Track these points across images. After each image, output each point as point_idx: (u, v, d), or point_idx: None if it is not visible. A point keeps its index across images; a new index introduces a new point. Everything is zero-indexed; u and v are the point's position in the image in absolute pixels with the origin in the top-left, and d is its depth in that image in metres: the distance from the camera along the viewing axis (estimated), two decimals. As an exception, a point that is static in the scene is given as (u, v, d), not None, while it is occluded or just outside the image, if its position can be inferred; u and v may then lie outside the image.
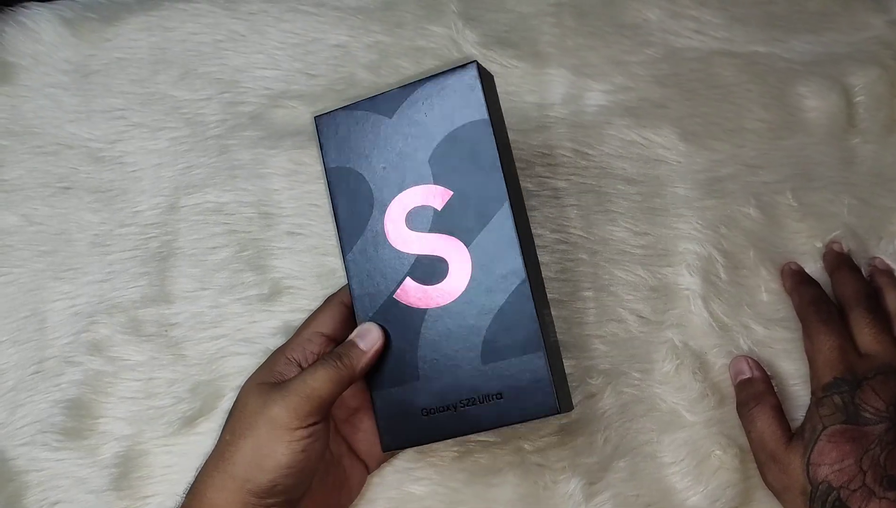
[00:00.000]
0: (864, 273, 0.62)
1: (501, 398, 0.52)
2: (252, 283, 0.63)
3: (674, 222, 0.64)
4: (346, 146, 0.55)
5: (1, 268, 0.64)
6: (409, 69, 0.67)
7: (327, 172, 0.56)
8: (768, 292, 0.63)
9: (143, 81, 0.68)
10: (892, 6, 0.69)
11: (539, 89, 0.66)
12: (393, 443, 0.54)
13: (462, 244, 0.53)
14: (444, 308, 0.53)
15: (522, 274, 0.52)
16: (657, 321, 0.62)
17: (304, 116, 0.66)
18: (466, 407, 0.52)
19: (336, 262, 0.63)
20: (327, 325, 0.56)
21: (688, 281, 0.63)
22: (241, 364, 0.62)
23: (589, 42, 0.67)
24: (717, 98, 0.66)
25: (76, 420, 0.61)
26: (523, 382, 0.52)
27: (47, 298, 0.64)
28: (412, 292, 0.53)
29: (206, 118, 0.67)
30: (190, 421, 0.61)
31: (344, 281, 0.60)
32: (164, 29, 0.68)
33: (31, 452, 0.61)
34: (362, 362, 0.52)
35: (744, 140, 0.66)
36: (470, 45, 0.67)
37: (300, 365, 0.54)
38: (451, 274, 0.53)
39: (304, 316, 0.59)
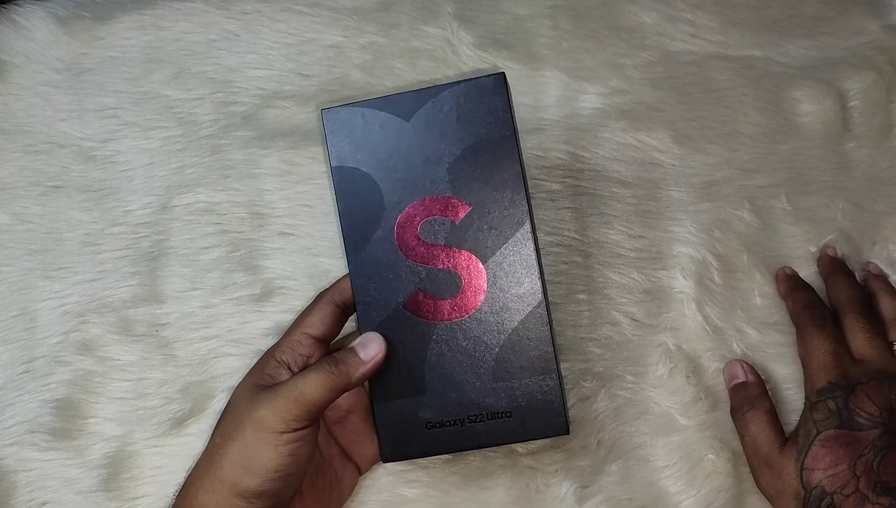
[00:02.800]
0: (858, 278, 0.62)
1: (510, 416, 0.52)
2: (244, 283, 0.63)
3: (668, 225, 0.64)
4: (354, 145, 0.53)
5: (-9, 266, 0.64)
6: (404, 70, 0.67)
7: (332, 170, 0.53)
8: (762, 296, 0.62)
9: (136, 80, 0.67)
10: (888, 11, 0.69)
11: (534, 91, 0.66)
12: (393, 455, 0.53)
13: (478, 261, 0.52)
14: (457, 324, 0.52)
15: (540, 296, 0.52)
16: (651, 325, 0.62)
17: (296, 116, 0.66)
18: (473, 423, 0.52)
19: (329, 262, 0.63)
20: (315, 326, 0.55)
21: (682, 284, 0.63)
22: (233, 365, 0.62)
23: (584, 45, 0.67)
24: (712, 102, 0.66)
25: (65, 420, 0.61)
26: (534, 402, 0.52)
27: (37, 297, 0.63)
28: (422, 305, 0.53)
29: (199, 118, 0.66)
30: (180, 422, 0.61)
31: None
32: (158, 28, 0.68)
33: (20, 452, 0.61)
34: (360, 371, 0.51)
35: (739, 144, 0.65)
36: (465, 47, 0.67)
37: (290, 368, 0.53)
38: (466, 290, 0.52)
39: (295, 317, 0.59)
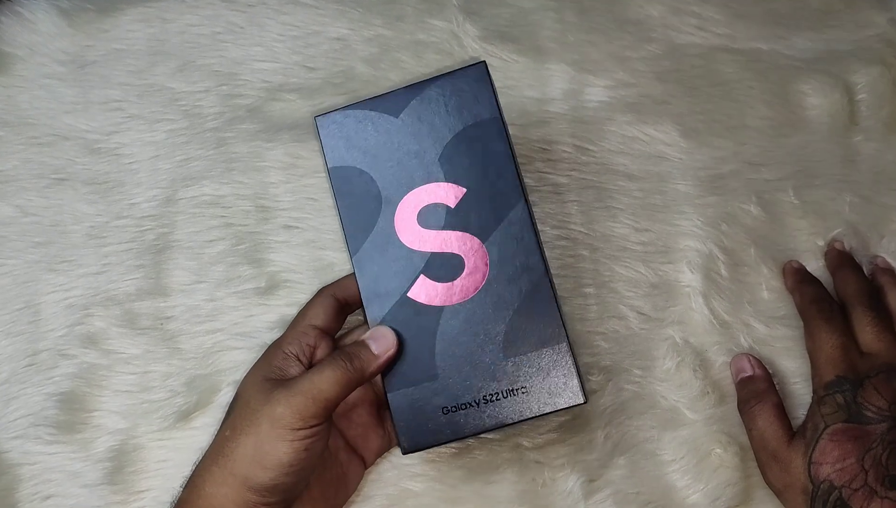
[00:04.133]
0: (865, 272, 0.62)
1: (526, 391, 0.52)
2: (249, 276, 0.63)
3: (675, 218, 0.63)
4: (349, 145, 0.55)
5: (-5, 259, 0.64)
6: (410, 63, 0.67)
7: (329, 171, 0.55)
8: (769, 290, 0.62)
9: (141, 72, 0.67)
10: (895, 4, 0.69)
11: (539, 84, 0.66)
12: (412, 445, 0.53)
13: (478, 241, 0.53)
14: (462, 305, 0.53)
15: (542, 267, 0.52)
16: (658, 318, 0.62)
17: (302, 109, 0.66)
18: (489, 403, 0.52)
19: (333, 256, 0.63)
20: (319, 317, 0.55)
21: (689, 278, 0.62)
22: (238, 359, 0.61)
23: (590, 37, 0.67)
24: (718, 95, 0.66)
25: (70, 414, 0.61)
26: (548, 373, 0.52)
27: (41, 290, 0.63)
28: (427, 290, 0.53)
29: (204, 111, 0.66)
30: (185, 416, 0.61)
31: (341, 274, 0.60)
32: (163, 20, 0.68)
33: (24, 445, 0.60)
34: (373, 366, 0.51)
35: (745, 137, 0.65)
36: (470, 39, 0.67)
37: (298, 359, 0.53)
38: (468, 270, 0.53)
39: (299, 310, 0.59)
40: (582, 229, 0.63)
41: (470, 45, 0.67)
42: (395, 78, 0.66)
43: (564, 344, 0.52)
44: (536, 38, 0.67)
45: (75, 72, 0.67)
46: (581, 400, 0.52)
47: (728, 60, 0.67)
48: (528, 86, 0.66)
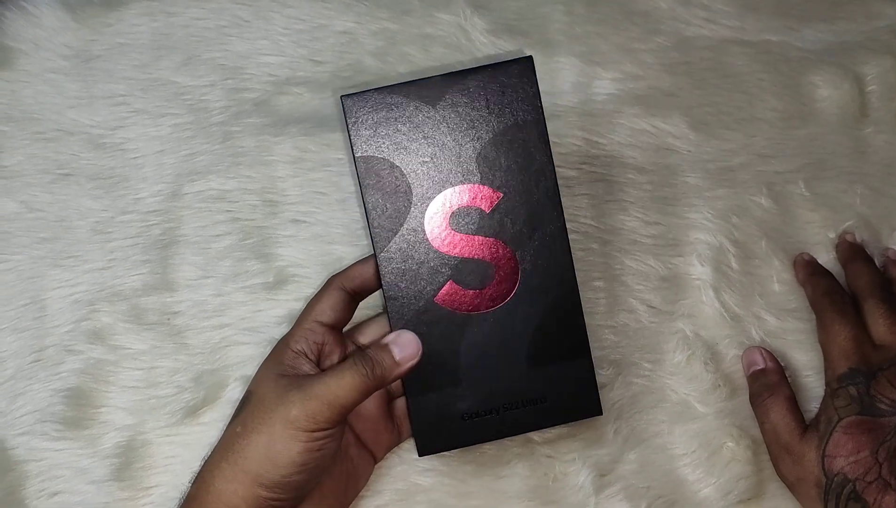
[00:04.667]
0: (877, 264, 0.62)
1: (545, 401, 0.52)
2: (256, 271, 0.62)
3: (685, 211, 0.63)
4: (379, 133, 0.52)
5: (0, 255, 0.63)
6: (417, 57, 0.66)
7: (356, 161, 0.52)
8: (780, 283, 0.62)
9: (146, 66, 0.66)
10: (905, -5, 0.69)
11: (548, 77, 0.65)
12: (428, 448, 0.52)
13: (510, 250, 0.52)
14: (490, 314, 0.52)
15: (573, 282, 0.52)
16: (668, 312, 0.62)
17: (309, 102, 0.65)
18: (509, 411, 0.52)
19: (342, 250, 0.62)
20: (326, 313, 0.54)
21: (699, 271, 0.62)
22: (246, 354, 0.61)
23: (598, 30, 0.67)
24: (728, 87, 0.66)
25: (76, 410, 0.60)
26: (569, 386, 0.52)
27: (47, 285, 0.63)
28: (455, 296, 0.52)
29: (210, 105, 0.66)
30: (193, 411, 0.60)
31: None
32: (167, 14, 0.67)
33: (31, 442, 0.60)
34: (394, 373, 0.50)
35: (756, 129, 0.65)
36: (478, 33, 0.66)
37: (307, 356, 0.53)
38: (498, 279, 0.52)
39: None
40: (592, 223, 0.63)
41: (478, 38, 0.66)
42: (403, 71, 0.66)
43: (586, 359, 0.52)
44: (545, 30, 0.67)
45: (79, 66, 0.67)
46: (599, 414, 0.52)
47: (737, 52, 0.67)
48: (538, 79, 0.66)
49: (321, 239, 0.63)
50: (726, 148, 0.65)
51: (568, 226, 0.62)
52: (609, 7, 0.67)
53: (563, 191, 0.63)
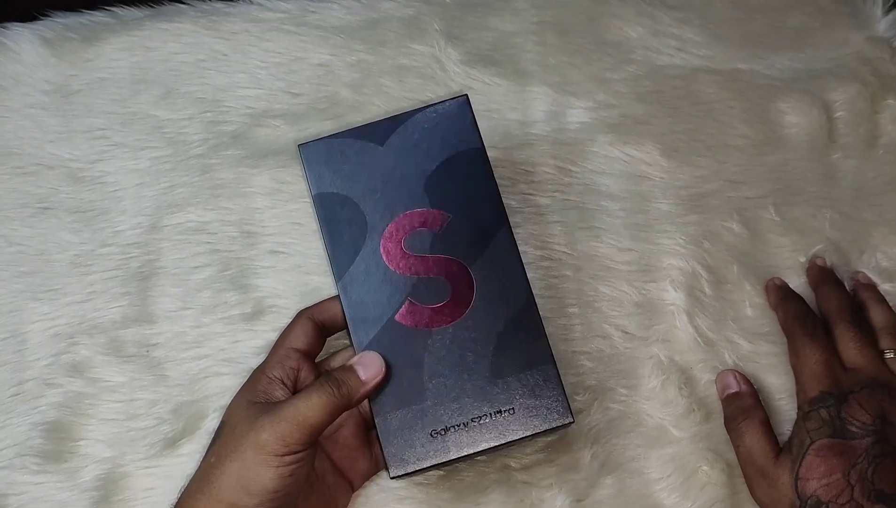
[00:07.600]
0: (847, 288, 0.62)
1: (513, 411, 0.52)
2: (235, 302, 0.63)
3: (657, 237, 0.64)
4: (333, 172, 0.56)
5: (-21, 289, 0.63)
6: (393, 88, 0.67)
7: (314, 198, 0.56)
8: (752, 307, 0.63)
9: (125, 100, 0.67)
10: (871, 23, 0.70)
11: (521, 107, 0.66)
12: (400, 470, 0.52)
13: (464, 265, 0.54)
14: (450, 328, 0.53)
15: (526, 290, 0.53)
16: (642, 337, 0.62)
17: (286, 134, 0.66)
18: (478, 424, 0.52)
19: (319, 280, 0.63)
20: (300, 340, 0.55)
21: (672, 296, 0.63)
22: (225, 385, 0.61)
23: (571, 60, 0.68)
24: (699, 115, 0.67)
25: (56, 443, 0.60)
26: (536, 394, 0.52)
27: (26, 319, 0.63)
28: (414, 314, 0.53)
29: (189, 137, 0.66)
30: (172, 443, 0.60)
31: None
32: (146, 49, 0.68)
33: (10, 476, 0.60)
34: (360, 392, 0.51)
35: (726, 156, 0.66)
36: (453, 64, 0.67)
37: (283, 382, 0.53)
38: (455, 294, 0.54)
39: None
40: (565, 250, 0.63)
41: (452, 69, 0.67)
42: (378, 102, 0.67)
43: (550, 365, 0.52)
44: (518, 61, 0.68)
45: (59, 101, 0.67)
46: (569, 420, 0.52)
47: (708, 81, 0.68)
48: (511, 109, 0.67)
49: (299, 270, 0.63)
50: (698, 175, 0.65)
51: (541, 253, 0.63)
52: (582, 37, 0.69)
53: (536, 219, 0.64)
